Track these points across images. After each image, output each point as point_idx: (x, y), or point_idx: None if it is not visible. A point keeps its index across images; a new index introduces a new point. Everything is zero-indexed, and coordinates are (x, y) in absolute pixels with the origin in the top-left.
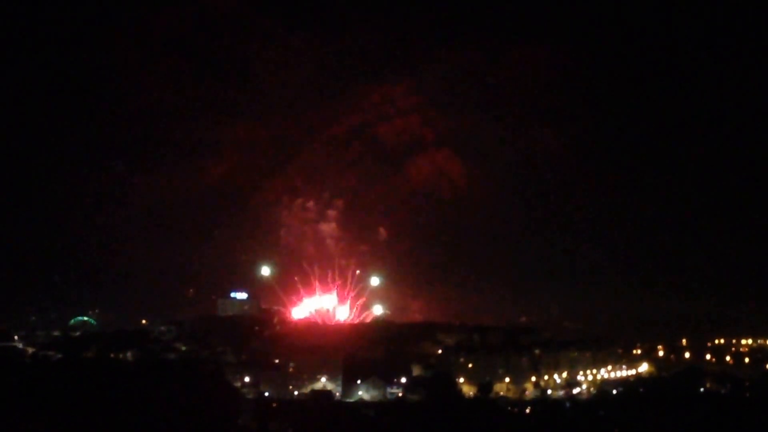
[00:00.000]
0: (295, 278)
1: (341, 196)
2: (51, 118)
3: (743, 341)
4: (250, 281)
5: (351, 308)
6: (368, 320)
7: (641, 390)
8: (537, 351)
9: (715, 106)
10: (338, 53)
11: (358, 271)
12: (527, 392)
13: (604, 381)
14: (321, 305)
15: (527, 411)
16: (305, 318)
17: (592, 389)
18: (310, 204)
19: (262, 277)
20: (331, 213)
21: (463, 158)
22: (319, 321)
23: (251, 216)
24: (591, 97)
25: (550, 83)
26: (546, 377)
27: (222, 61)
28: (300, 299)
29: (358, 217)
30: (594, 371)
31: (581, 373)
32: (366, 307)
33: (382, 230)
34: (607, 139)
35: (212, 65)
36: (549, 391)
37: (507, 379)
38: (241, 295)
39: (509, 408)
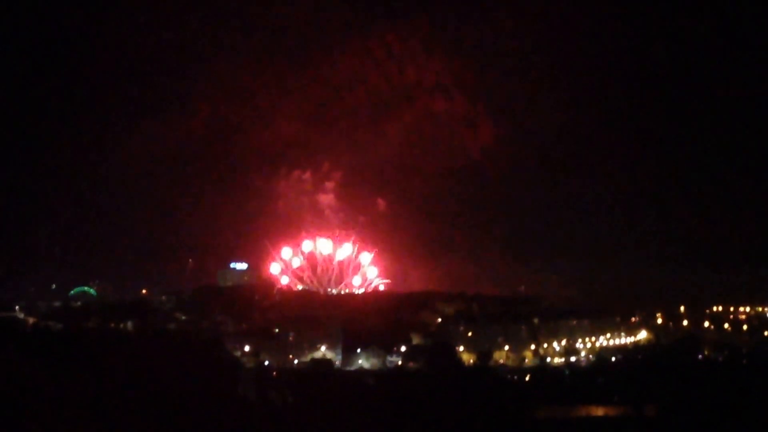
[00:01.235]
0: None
1: (339, 165)
2: (46, 82)
3: (741, 309)
4: (249, 251)
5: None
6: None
7: (639, 357)
8: (536, 320)
9: (716, 75)
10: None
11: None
12: (526, 360)
13: (602, 349)
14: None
15: (526, 379)
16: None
17: (590, 357)
18: (308, 174)
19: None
20: (330, 183)
21: (465, 126)
22: (321, 291)
23: (252, 185)
24: (598, 66)
25: (563, 47)
26: (545, 345)
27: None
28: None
29: (357, 186)
30: (593, 339)
31: (580, 341)
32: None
33: (380, 201)
34: (607, 109)
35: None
36: (548, 359)
37: (506, 348)
38: (241, 266)
39: (508, 376)
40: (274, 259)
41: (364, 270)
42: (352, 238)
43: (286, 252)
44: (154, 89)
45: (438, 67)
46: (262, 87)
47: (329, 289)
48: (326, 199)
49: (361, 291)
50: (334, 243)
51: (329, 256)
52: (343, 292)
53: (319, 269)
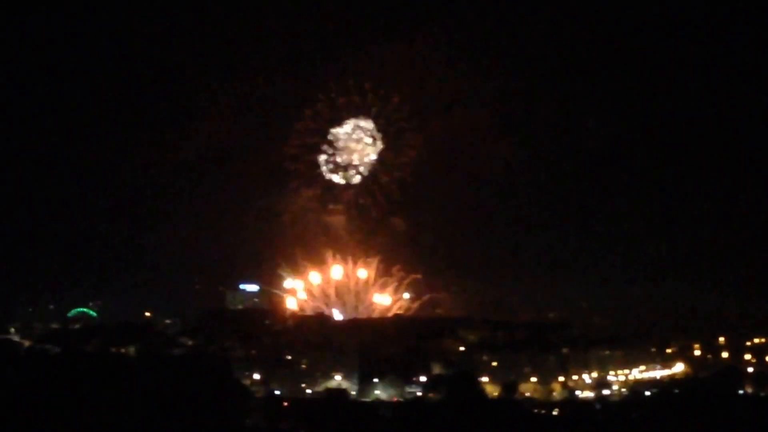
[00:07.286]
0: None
1: (358, 181)
2: (44, 91)
3: None
4: (261, 272)
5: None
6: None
7: (676, 391)
8: (565, 349)
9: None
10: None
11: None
12: (555, 393)
13: (636, 381)
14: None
15: (555, 413)
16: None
17: (623, 390)
18: (322, 191)
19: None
20: (346, 201)
21: (493, 144)
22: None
23: (263, 202)
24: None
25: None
26: (575, 377)
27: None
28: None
29: (377, 205)
30: (626, 371)
31: (612, 372)
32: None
33: (398, 221)
34: (642, 128)
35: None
36: (578, 392)
37: (533, 379)
38: (252, 287)
39: (535, 410)
40: (287, 281)
41: (383, 294)
42: (372, 259)
43: (300, 274)
44: (159, 103)
45: (458, 76)
46: (270, 99)
47: (346, 314)
48: (342, 219)
49: (383, 315)
50: (353, 265)
51: (347, 279)
52: (361, 317)
53: (336, 292)
